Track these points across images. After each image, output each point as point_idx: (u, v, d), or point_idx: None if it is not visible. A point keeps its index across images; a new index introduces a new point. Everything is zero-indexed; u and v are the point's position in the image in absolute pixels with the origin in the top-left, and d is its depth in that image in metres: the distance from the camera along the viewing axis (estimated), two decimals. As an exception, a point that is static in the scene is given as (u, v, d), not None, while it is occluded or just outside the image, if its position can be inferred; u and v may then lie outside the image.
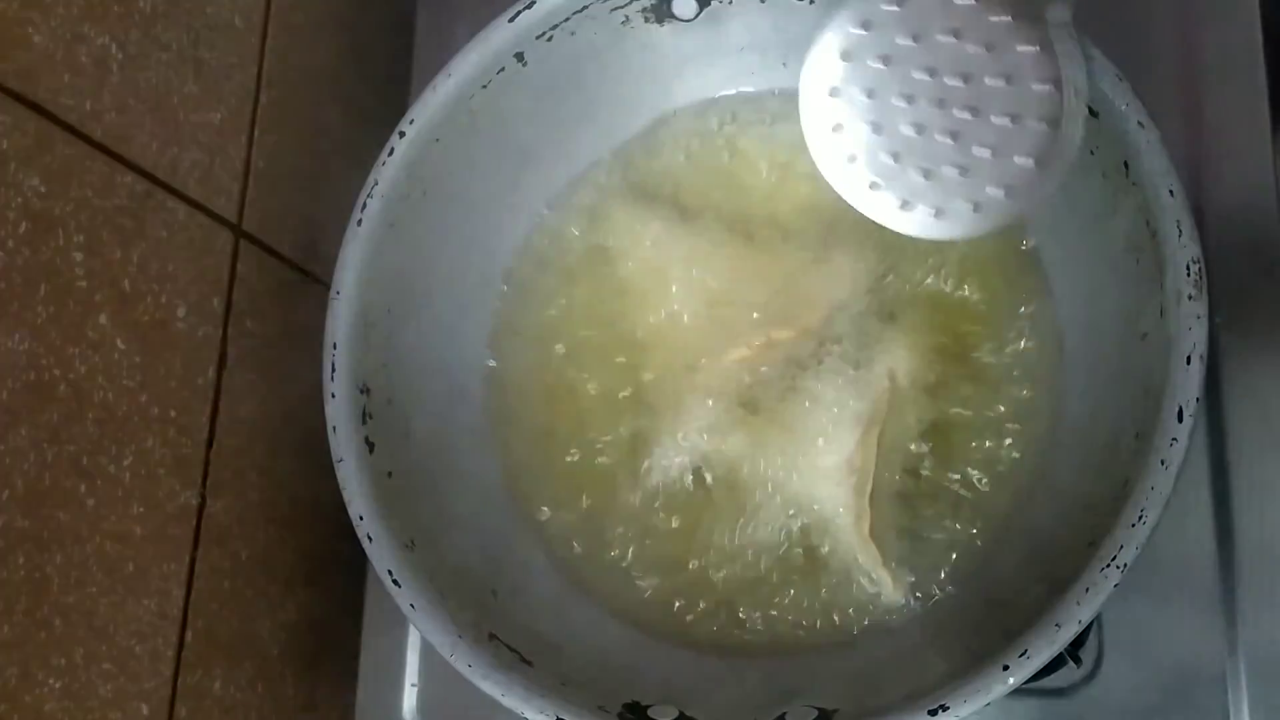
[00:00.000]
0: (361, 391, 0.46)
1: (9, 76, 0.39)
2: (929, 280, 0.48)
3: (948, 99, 0.39)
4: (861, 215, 0.42)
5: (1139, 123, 0.41)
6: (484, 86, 0.48)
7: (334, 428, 0.45)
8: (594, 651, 0.46)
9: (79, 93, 0.42)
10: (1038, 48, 0.37)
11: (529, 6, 0.47)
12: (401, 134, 0.47)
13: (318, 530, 0.57)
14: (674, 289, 0.50)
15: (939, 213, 0.39)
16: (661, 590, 0.48)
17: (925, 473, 0.47)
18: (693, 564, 0.48)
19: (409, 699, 0.53)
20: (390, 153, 0.47)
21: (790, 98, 0.51)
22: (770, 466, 0.47)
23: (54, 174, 0.41)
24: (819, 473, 0.46)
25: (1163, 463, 0.38)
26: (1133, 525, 0.37)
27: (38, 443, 0.40)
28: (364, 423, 0.45)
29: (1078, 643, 0.38)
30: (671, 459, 0.49)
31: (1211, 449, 0.48)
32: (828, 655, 0.45)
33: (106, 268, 0.43)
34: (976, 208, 0.39)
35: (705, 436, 0.48)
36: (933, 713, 0.37)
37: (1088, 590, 0.37)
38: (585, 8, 0.47)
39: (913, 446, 0.47)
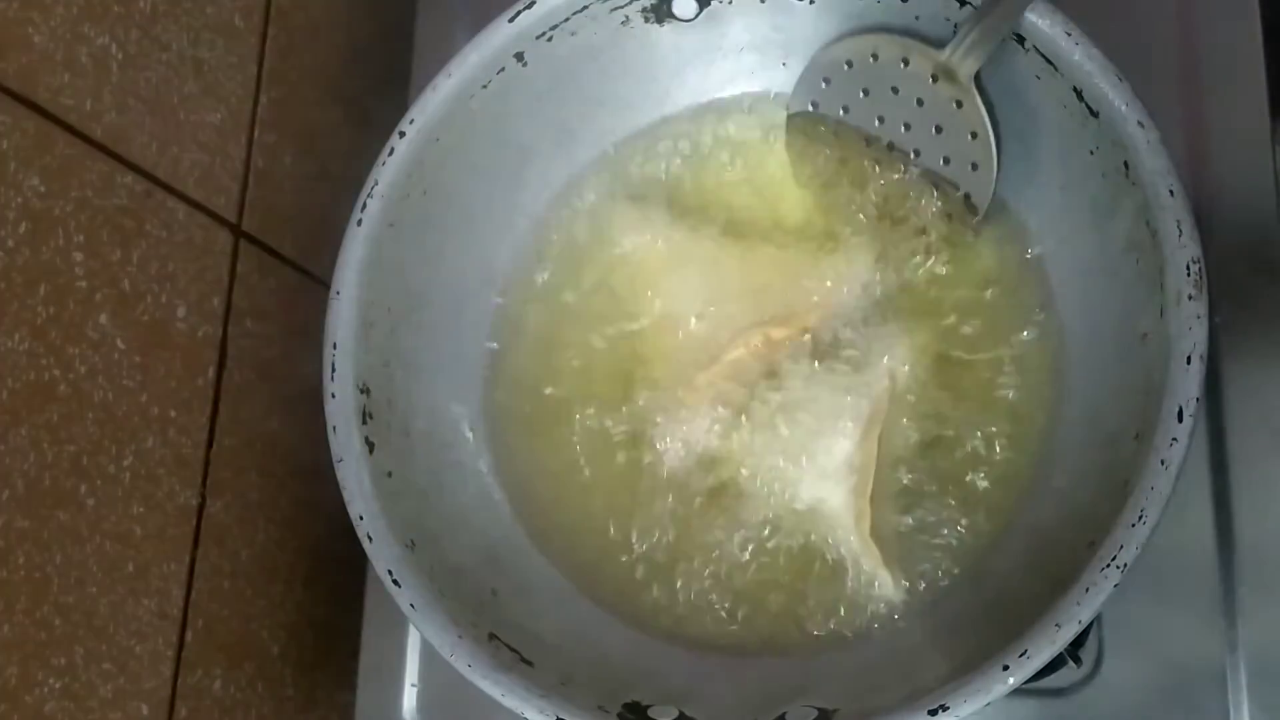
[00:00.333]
0: (361, 391, 0.45)
1: (9, 76, 0.39)
2: (929, 280, 0.48)
3: (901, 142, 0.47)
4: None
5: (1139, 123, 0.41)
6: (484, 86, 0.48)
7: (334, 428, 0.45)
8: (594, 651, 0.46)
9: (79, 92, 0.42)
10: (963, 104, 0.44)
11: (529, 6, 0.47)
12: (401, 134, 0.47)
13: (318, 530, 0.57)
14: (674, 289, 0.50)
15: None
16: (661, 590, 0.48)
17: (925, 473, 0.47)
18: (692, 563, 0.48)
19: (409, 699, 0.53)
20: (390, 153, 0.47)
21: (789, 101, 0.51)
22: (770, 467, 0.47)
23: (54, 174, 0.41)
24: (819, 473, 0.46)
25: (1163, 463, 0.38)
26: (1133, 525, 0.37)
27: (38, 443, 0.40)
28: (364, 423, 0.45)
29: (1078, 643, 0.38)
30: (671, 459, 0.48)
31: (1211, 449, 0.48)
32: (828, 655, 0.45)
33: (106, 268, 0.43)
34: None
35: (705, 437, 0.48)
36: (933, 713, 0.37)
37: (1088, 590, 0.37)
38: (585, 8, 0.47)
39: (912, 446, 0.47)
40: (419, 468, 0.47)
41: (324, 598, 0.58)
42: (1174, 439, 0.38)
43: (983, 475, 0.46)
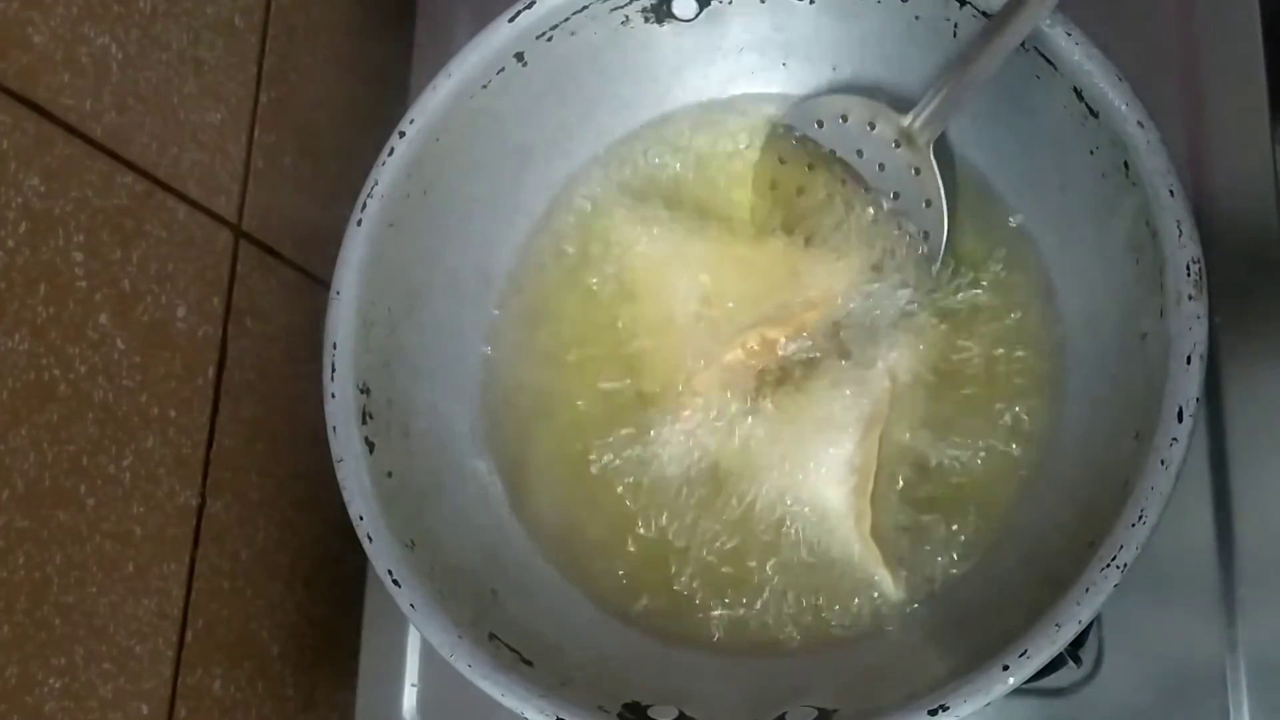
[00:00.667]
0: (361, 391, 0.45)
1: (9, 76, 0.39)
2: (928, 280, 0.48)
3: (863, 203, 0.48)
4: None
5: (1139, 123, 0.41)
6: (484, 86, 0.48)
7: (334, 428, 0.45)
8: (594, 651, 0.46)
9: (79, 92, 0.42)
10: (920, 172, 0.46)
11: (529, 6, 0.47)
12: (401, 134, 0.47)
13: (318, 530, 0.57)
14: (674, 288, 0.50)
15: None
16: (661, 590, 0.48)
17: (925, 472, 0.47)
18: (692, 563, 0.48)
19: (409, 699, 0.53)
20: (390, 153, 0.47)
21: (789, 99, 0.51)
22: (770, 467, 0.47)
23: (54, 174, 0.41)
24: (819, 474, 0.46)
25: (1163, 463, 0.38)
26: (1133, 525, 0.37)
27: (38, 443, 0.40)
28: (364, 423, 0.45)
29: (1078, 643, 0.38)
30: (671, 459, 0.48)
31: (1211, 449, 0.48)
32: (828, 655, 0.45)
33: (106, 268, 0.43)
34: None
35: (705, 437, 0.48)
36: (933, 713, 0.37)
37: (1088, 590, 0.37)
38: (585, 8, 0.47)
39: (912, 446, 0.47)
40: (419, 468, 0.47)
41: (324, 598, 0.58)
42: (1174, 439, 0.38)
43: (983, 475, 0.46)
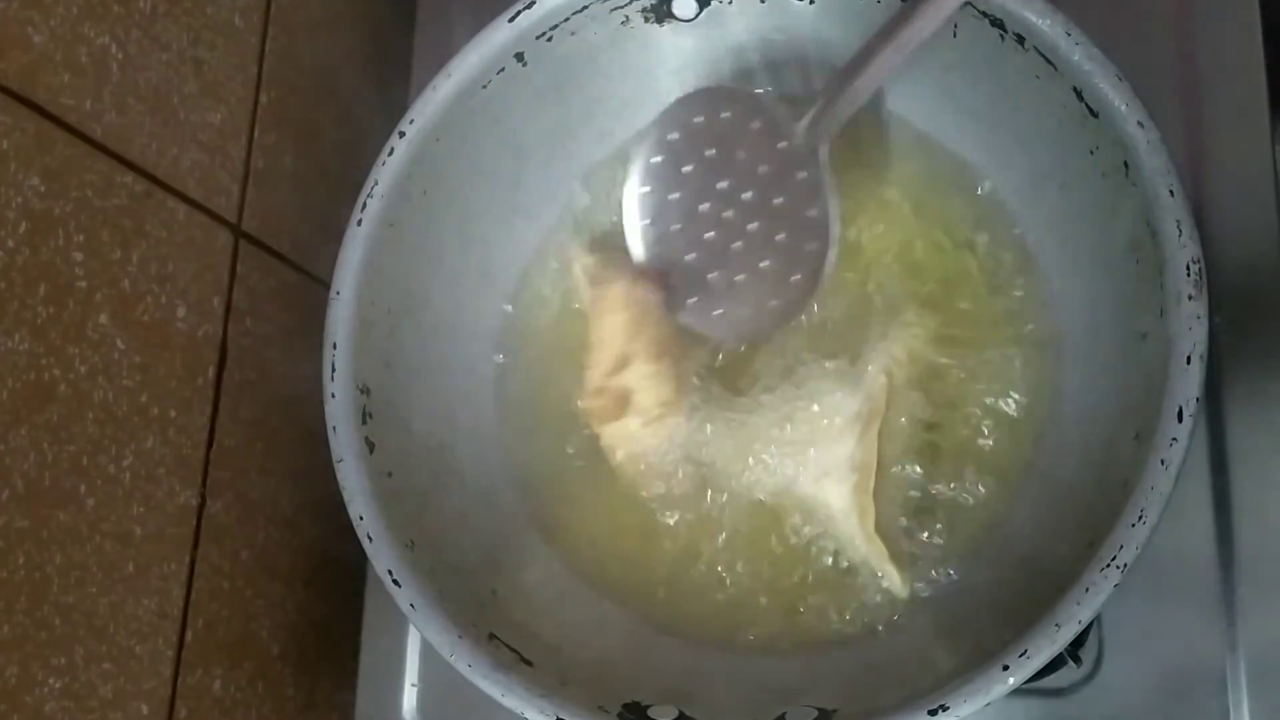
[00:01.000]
0: (361, 391, 0.46)
1: (9, 76, 0.39)
2: (926, 281, 0.49)
3: (740, 210, 0.43)
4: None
5: (1139, 122, 0.41)
6: (484, 86, 0.48)
7: (334, 428, 0.45)
8: (594, 651, 0.46)
9: (79, 93, 0.42)
10: (806, 176, 0.41)
11: (529, 6, 0.47)
12: (401, 134, 0.47)
13: (318, 530, 0.57)
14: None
15: (719, 316, 0.43)
16: (661, 590, 0.48)
17: (925, 471, 0.47)
18: (692, 563, 0.48)
19: (409, 699, 0.53)
20: (390, 153, 0.47)
21: (788, 100, 0.51)
22: (771, 466, 0.47)
23: (54, 174, 0.41)
24: (821, 471, 0.46)
25: (1163, 463, 0.38)
26: (1133, 525, 0.37)
27: (38, 442, 0.40)
28: (364, 423, 0.45)
29: (1078, 643, 0.38)
30: (671, 459, 0.48)
31: (1211, 449, 0.48)
32: (828, 655, 0.45)
33: (106, 268, 0.43)
34: (754, 316, 0.43)
35: (705, 437, 0.48)
36: (933, 713, 0.37)
37: (1088, 590, 0.37)
38: (585, 8, 0.47)
39: (912, 445, 0.47)
40: (419, 468, 0.47)
41: (324, 598, 0.58)
42: (1174, 439, 0.38)
43: (983, 474, 0.46)
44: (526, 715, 0.40)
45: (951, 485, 0.46)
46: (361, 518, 0.44)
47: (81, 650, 0.42)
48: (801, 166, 0.41)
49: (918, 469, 0.47)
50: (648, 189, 0.43)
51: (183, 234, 0.48)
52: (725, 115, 0.42)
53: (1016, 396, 0.47)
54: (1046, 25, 0.42)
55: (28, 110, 0.39)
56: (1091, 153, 0.43)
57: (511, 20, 0.47)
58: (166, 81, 0.47)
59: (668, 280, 0.44)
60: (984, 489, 0.46)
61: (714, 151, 0.43)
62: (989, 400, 0.47)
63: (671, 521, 0.48)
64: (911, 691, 0.38)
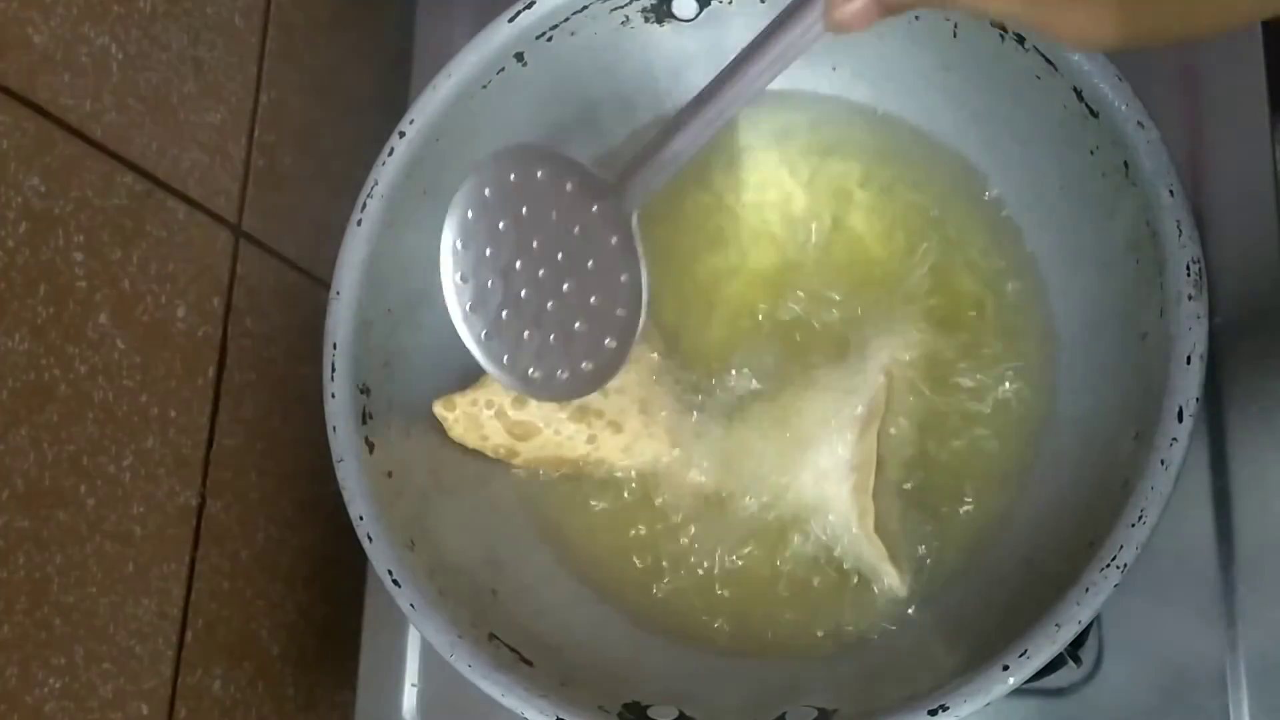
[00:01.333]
0: (361, 391, 0.45)
1: (9, 76, 0.39)
2: (928, 278, 0.48)
3: (553, 271, 0.42)
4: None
5: (1139, 123, 0.41)
6: (484, 86, 0.48)
7: (334, 428, 0.45)
8: (594, 651, 0.46)
9: (79, 92, 0.42)
10: (618, 241, 0.40)
11: (529, 6, 0.47)
12: (401, 134, 0.47)
13: (318, 530, 0.57)
14: (673, 287, 0.50)
15: (534, 376, 0.43)
16: (661, 590, 0.48)
17: (925, 473, 0.47)
18: (692, 564, 0.48)
19: (409, 699, 0.53)
20: (390, 152, 0.47)
21: (789, 99, 0.51)
22: (771, 467, 0.47)
23: (54, 174, 0.41)
24: (820, 472, 0.46)
25: (1163, 463, 0.38)
26: (1133, 525, 0.37)
27: (38, 442, 0.40)
28: (364, 423, 0.45)
29: (1078, 643, 0.38)
30: (671, 459, 0.48)
31: (1212, 449, 0.48)
32: (828, 655, 0.45)
33: (106, 268, 0.43)
34: (569, 378, 0.42)
35: (705, 437, 0.48)
36: (933, 713, 0.37)
37: (1088, 590, 0.37)
38: (585, 8, 0.47)
39: (912, 447, 0.47)
40: (419, 468, 0.47)
41: (324, 598, 0.58)
42: (1174, 439, 0.38)
43: (983, 474, 0.46)
44: (526, 715, 0.40)
45: (950, 486, 0.46)
46: (361, 518, 0.44)
47: (81, 650, 0.42)
48: (614, 231, 0.40)
49: (917, 471, 0.47)
50: (461, 245, 0.43)
51: (183, 234, 0.48)
52: (540, 174, 0.41)
53: (1016, 396, 0.47)
54: (1046, 25, 0.42)
55: (28, 110, 0.39)
56: (1091, 153, 0.43)
57: (511, 20, 0.47)
58: (166, 81, 0.47)
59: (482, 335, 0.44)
60: (983, 489, 0.46)
61: (528, 210, 0.42)
62: (989, 400, 0.47)
63: (674, 522, 0.48)
64: (911, 691, 0.38)
